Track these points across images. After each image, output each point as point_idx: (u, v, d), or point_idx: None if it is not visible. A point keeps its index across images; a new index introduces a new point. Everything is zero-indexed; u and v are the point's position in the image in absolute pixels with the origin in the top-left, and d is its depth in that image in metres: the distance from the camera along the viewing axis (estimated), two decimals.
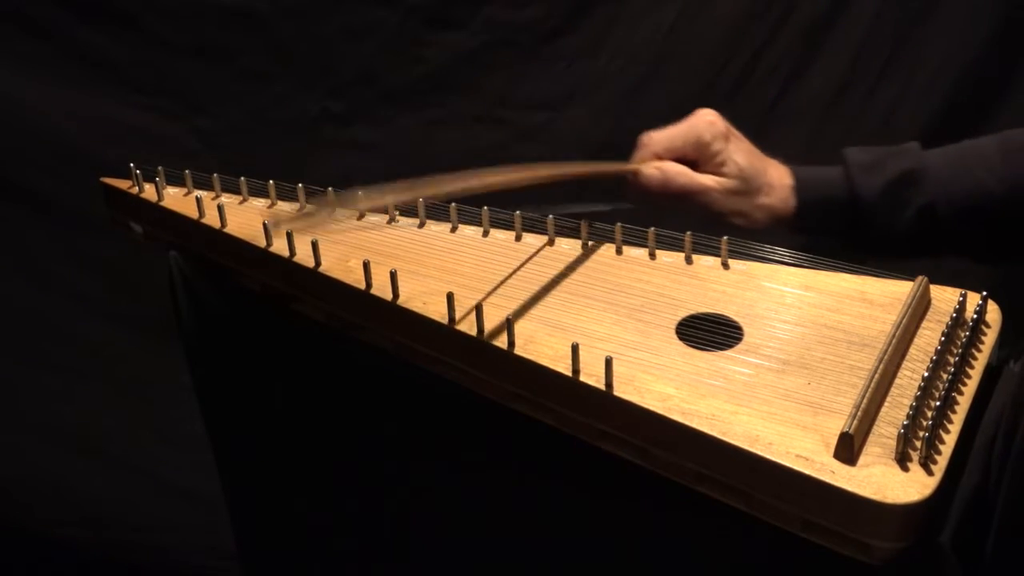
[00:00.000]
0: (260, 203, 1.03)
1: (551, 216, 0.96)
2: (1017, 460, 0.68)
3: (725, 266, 0.91)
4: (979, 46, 1.45)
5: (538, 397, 0.80)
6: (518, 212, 0.96)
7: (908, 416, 0.70)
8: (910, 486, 0.67)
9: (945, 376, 0.76)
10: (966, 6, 1.44)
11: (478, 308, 0.82)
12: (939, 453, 0.69)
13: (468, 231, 0.98)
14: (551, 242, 0.96)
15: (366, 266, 0.87)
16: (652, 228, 0.93)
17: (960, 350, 0.79)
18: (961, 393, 0.76)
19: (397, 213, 1.00)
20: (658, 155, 0.98)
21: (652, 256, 0.93)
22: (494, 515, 0.92)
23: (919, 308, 0.82)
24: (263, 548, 1.16)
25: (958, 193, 0.96)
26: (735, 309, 0.85)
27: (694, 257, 0.92)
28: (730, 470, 0.71)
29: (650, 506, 0.81)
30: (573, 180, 1.03)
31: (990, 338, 0.82)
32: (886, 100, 1.50)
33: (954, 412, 0.74)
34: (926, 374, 0.75)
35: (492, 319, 0.82)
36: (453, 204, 0.98)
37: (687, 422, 0.72)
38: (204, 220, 0.97)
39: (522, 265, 0.92)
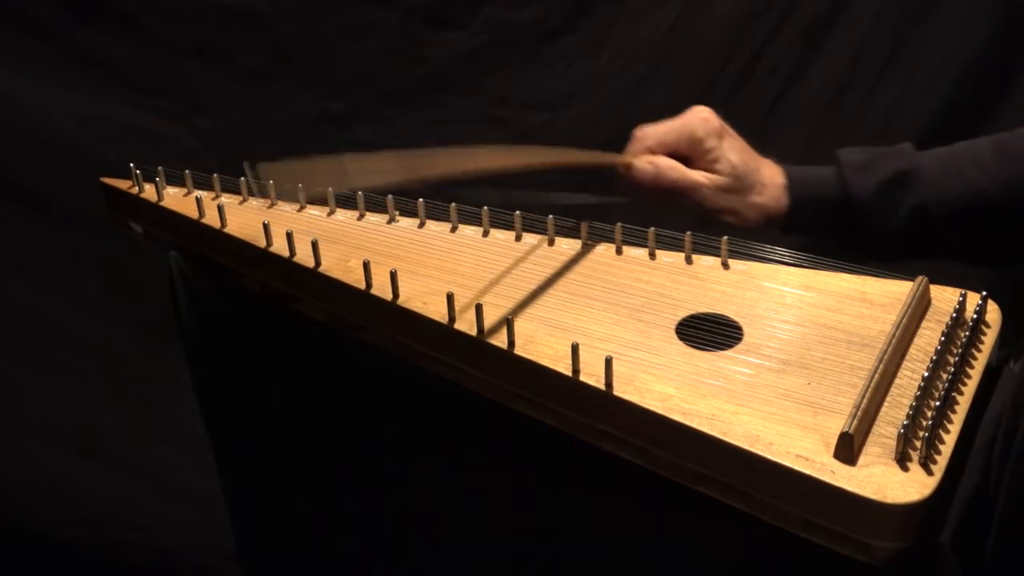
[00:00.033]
0: (260, 203, 1.03)
1: (551, 216, 0.96)
2: (1017, 460, 0.68)
3: (725, 266, 0.91)
4: (979, 46, 1.45)
5: (538, 397, 0.80)
6: (518, 212, 0.96)
7: (908, 416, 0.70)
8: (910, 486, 0.67)
9: (945, 376, 0.76)
10: (966, 6, 1.44)
11: (478, 308, 0.82)
12: (939, 453, 0.69)
13: (468, 231, 0.98)
14: (551, 242, 0.96)
15: (366, 266, 0.87)
16: (652, 228, 0.93)
17: (960, 350, 0.79)
18: (961, 393, 0.76)
19: (397, 213, 1.00)
20: (651, 149, 0.99)
21: (652, 256, 0.93)
22: (494, 515, 0.92)
23: (919, 308, 0.82)
24: (263, 548, 1.16)
25: (951, 194, 0.96)
26: (735, 309, 0.85)
27: (694, 257, 0.92)
28: (730, 470, 0.71)
29: (650, 506, 0.81)
30: (565, 170, 1.03)
31: (990, 338, 0.82)
32: (886, 100, 1.50)
33: (954, 412, 0.74)
34: (926, 374, 0.75)
35: (492, 319, 0.82)
36: (453, 204, 0.98)
37: (687, 422, 0.72)
38: (204, 220, 0.97)
39: (522, 265, 0.92)
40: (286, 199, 1.03)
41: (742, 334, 0.82)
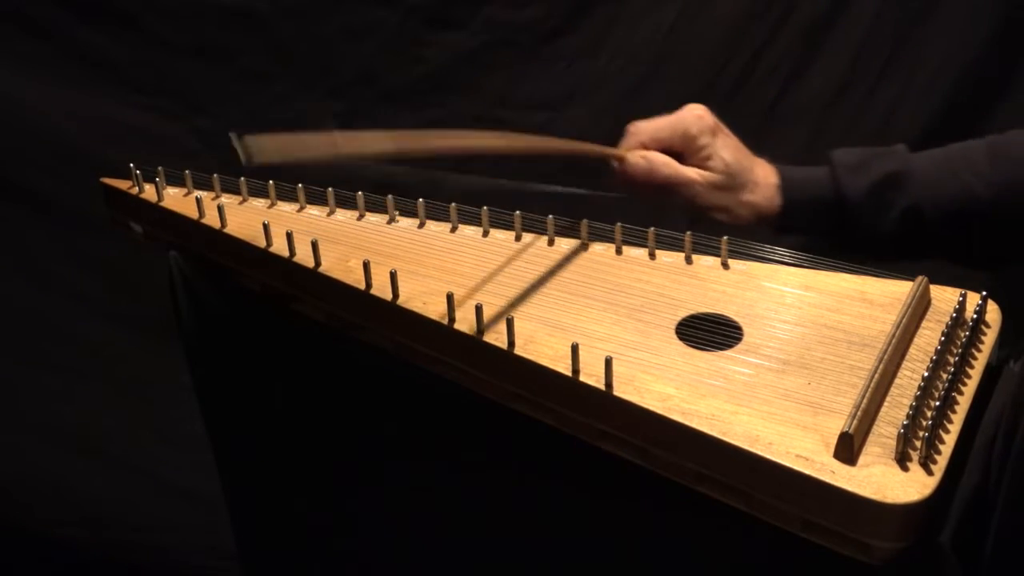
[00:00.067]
0: (260, 203, 1.03)
1: (551, 216, 0.96)
2: (1017, 460, 0.68)
3: (725, 266, 0.91)
4: (979, 46, 1.45)
5: (538, 397, 0.80)
6: (518, 212, 0.96)
7: (908, 416, 0.70)
8: (910, 486, 0.67)
9: (945, 376, 0.76)
10: (966, 6, 1.44)
11: (478, 308, 0.82)
12: (939, 453, 0.69)
13: (468, 231, 0.98)
14: (551, 242, 0.96)
15: (366, 266, 0.87)
16: (652, 228, 0.93)
17: (960, 350, 0.79)
18: (961, 393, 0.76)
19: (397, 213, 1.00)
20: (645, 144, 0.99)
21: (652, 256, 0.93)
22: (494, 515, 0.92)
23: (919, 308, 0.82)
24: (263, 548, 1.16)
25: (944, 196, 0.96)
26: (735, 309, 0.85)
27: (694, 257, 0.92)
28: (730, 470, 0.71)
29: (650, 506, 0.81)
30: (557, 160, 1.03)
31: (990, 338, 0.82)
32: (886, 100, 1.50)
33: (954, 412, 0.74)
34: (926, 374, 0.75)
35: (492, 319, 0.82)
36: (453, 204, 0.98)
37: (687, 422, 0.72)
38: (204, 220, 0.97)
39: (522, 265, 0.92)
40: (286, 199, 1.03)
41: (742, 334, 0.82)
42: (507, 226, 0.98)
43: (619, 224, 0.94)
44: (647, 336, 0.82)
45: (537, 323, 0.83)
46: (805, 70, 1.50)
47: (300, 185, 1.01)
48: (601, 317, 0.85)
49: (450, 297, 0.83)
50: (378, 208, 1.01)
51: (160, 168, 1.02)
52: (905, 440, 0.69)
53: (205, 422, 1.09)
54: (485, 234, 0.98)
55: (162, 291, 1.03)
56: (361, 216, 1.01)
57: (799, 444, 0.70)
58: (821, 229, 0.98)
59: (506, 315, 0.80)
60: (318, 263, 0.90)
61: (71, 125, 1.49)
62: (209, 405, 1.08)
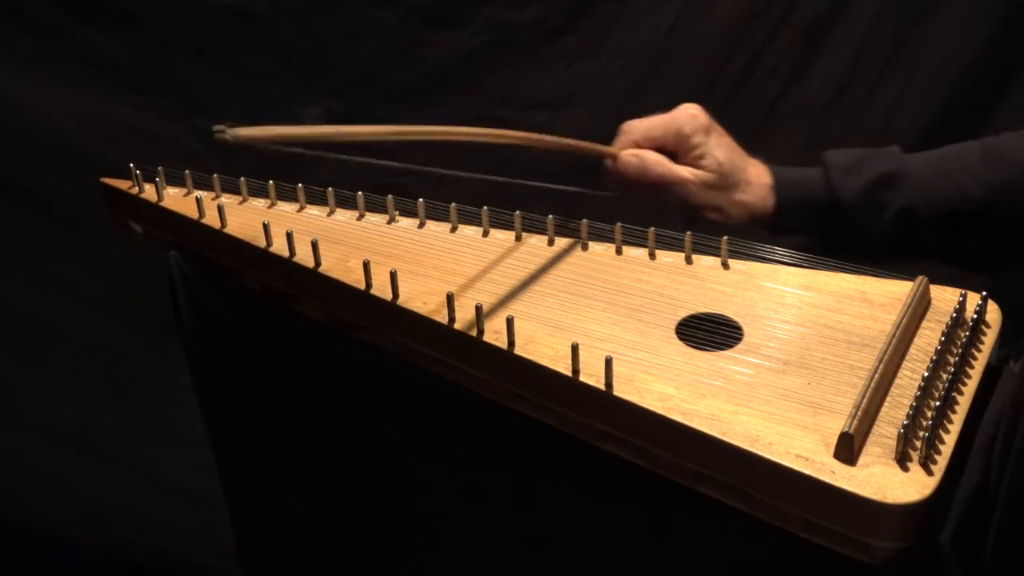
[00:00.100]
0: (260, 203, 1.03)
1: (551, 216, 0.96)
2: (1017, 460, 0.68)
3: (725, 266, 0.91)
4: (979, 46, 1.46)
5: (538, 397, 0.80)
6: (518, 212, 0.96)
7: (908, 416, 0.70)
8: (910, 486, 0.67)
9: (945, 376, 0.76)
10: (966, 6, 1.44)
11: (478, 308, 0.82)
12: (939, 453, 0.69)
13: (468, 231, 0.98)
14: (551, 242, 0.96)
15: (366, 266, 0.87)
16: (652, 228, 0.93)
17: (960, 350, 0.79)
18: (961, 393, 0.76)
19: (397, 213, 1.00)
20: (638, 143, 0.99)
21: (652, 256, 0.93)
22: (494, 515, 0.92)
23: (919, 308, 0.82)
24: (263, 548, 1.16)
25: (938, 197, 0.97)
26: (735, 309, 0.85)
27: (694, 257, 0.92)
28: (730, 470, 0.71)
29: (650, 506, 0.81)
30: (549, 156, 1.03)
31: (990, 338, 0.82)
32: (886, 100, 1.50)
33: (954, 412, 0.74)
34: (926, 374, 0.75)
35: (492, 319, 0.82)
36: (453, 204, 0.98)
37: (687, 422, 0.72)
38: (204, 220, 0.97)
39: (522, 265, 0.92)
40: (286, 199, 1.03)
41: (742, 334, 0.82)
42: (507, 226, 0.98)
43: (619, 224, 0.94)
44: (647, 336, 0.82)
45: (537, 323, 0.83)
46: (805, 70, 1.50)
47: (300, 185, 1.01)
48: (601, 317, 0.85)
49: (450, 297, 0.83)
50: (378, 208, 1.01)
51: (160, 168, 1.02)
52: (905, 440, 0.69)
53: (205, 422, 1.09)
54: (485, 234, 0.98)
55: (162, 291, 1.03)
56: (361, 216, 1.01)
57: (799, 444, 0.70)
58: (814, 230, 0.98)
59: (506, 315, 0.80)
60: (318, 263, 0.90)
61: (71, 125, 1.49)
62: (209, 405, 1.08)
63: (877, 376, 0.73)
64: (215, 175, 1.03)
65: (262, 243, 0.93)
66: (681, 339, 0.82)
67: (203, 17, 1.47)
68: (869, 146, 1.02)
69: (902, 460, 0.69)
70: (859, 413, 0.70)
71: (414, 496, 0.98)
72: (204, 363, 1.06)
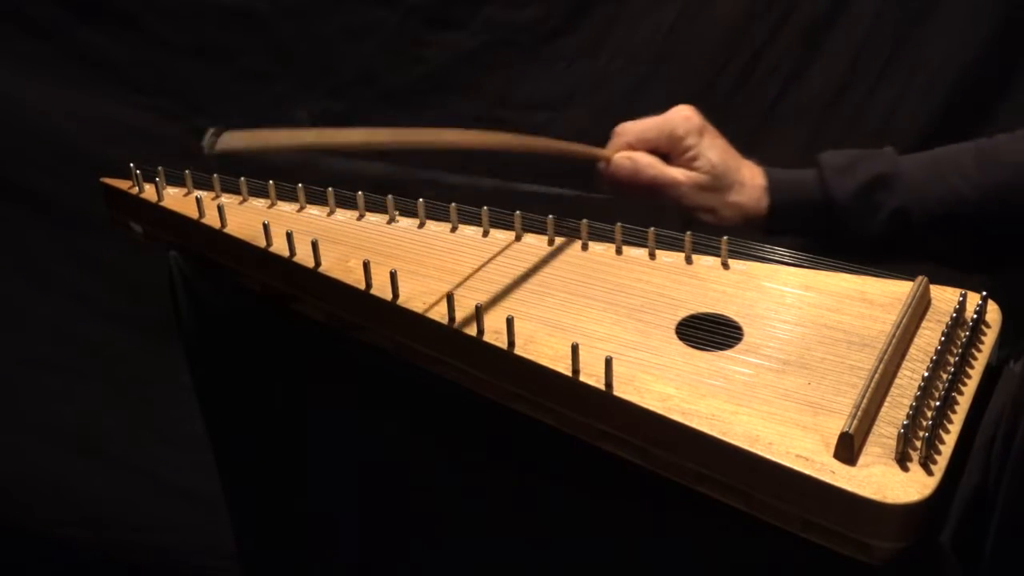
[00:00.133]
0: (260, 203, 1.03)
1: (551, 216, 0.96)
2: (1017, 460, 0.68)
3: (725, 266, 0.91)
4: (979, 46, 1.45)
5: (538, 397, 0.80)
6: (518, 212, 0.96)
7: (908, 416, 0.70)
8: (910, 486, 0.67)
9: (945, 376, 0.76)
10: (966, 6, 1.44)
11: (478, 308, 0.82)
12: (939, 453, 0.69)
13: (468, 231, 0.98)
14: (551, 242, 0.96)
15: (366, 266, 0.87)
16: (652, 228, 0.93)
17: (960, 350, 0.79)
18: (961, 393, 0.76)
19: (397, 213, 1.00)
20: (631, 145, 0.99)
21: (652, 256, 0.93)
22: (494, 515, 0.92)
23: (919, 308, 0.82)
24: (263, 548, 1.16)
25: (932, 199, 0.97)
26: (735, 309, 0.85)
27: (694, 257, 0.92)
28: (730, 470, 0.71)
29: (650, 506, 0.81)
30: (543, 160, 1.03)
31: (990, 338, 0.82)
32: (886, 100, 1.50)
33: (954, 412, 0.74)
34: (926, 374, 0.75)
35: (492, 319, 0.82)
36: (453, 204, 0.98)
37: (687, 422, 0.72)
38: (204, 220, 0.97)
39: (522, 265, 0.92)
40: (286, 199, 1.03)
41: (742, 334, 0.82)
42: (507, 226, 0.98)
43: (619, 224, 0.94)
44: (647, 336, 0.82)
45: (537, 323, 0.83)
46: (805, 70, 1.50)
47: (300, 185, 1.01)
48: (601, 317, 0.85)
49: (450, 297, 0.83)
50: (378, 208, 1.01)
51: (160, 168, 1.02)
52: (905, 440, 0.69)
53: (205, 422, 1.09)
54: (485, 234, 0.98)
55: (162, 291, 1.03)
56: (361, 216, 1.01)
57: (799, 444, 0.70)
58: (808, 231, 0.99)
59: (506, 315, 0.80)
60: (318, 263, 0.90)
61: (71, 125, 1.49)
62: (209, 405, 1.08)
63: (877, 376, 0.73)
64: (215, 175, 1.03)
65: (262, 243, 0.93)
66: (681, 339, 0.82)
67: (203, 17, 1.47)
68: (869, 146, 1.02)
69: (902, 460, 0.69)
70: (859, 413, 0.70)
71: (414, 496, 0.98)
72: (204, 363, 1.06)
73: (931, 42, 1.47)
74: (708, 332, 0.82)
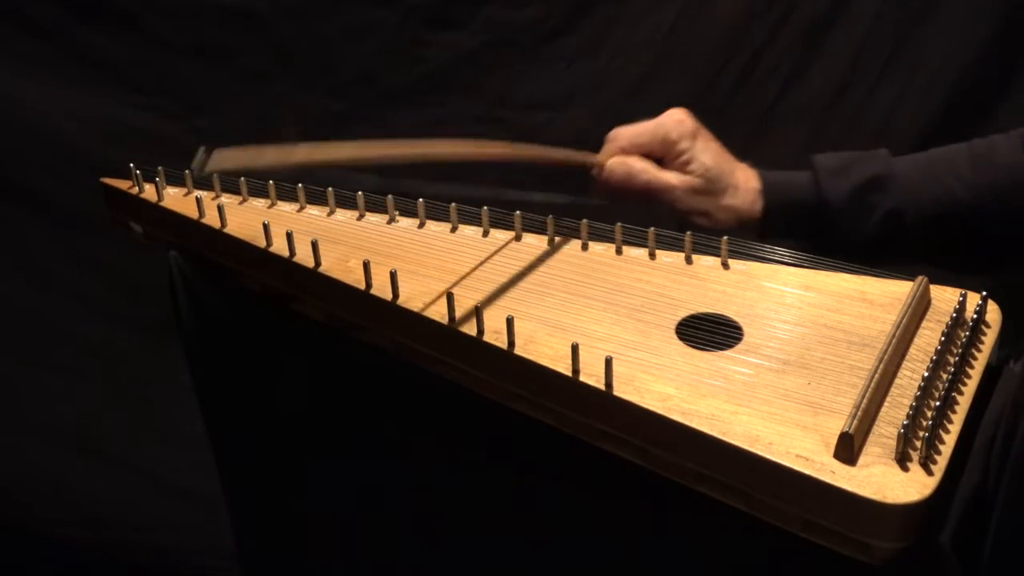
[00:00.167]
0: (260, 203, 1.03)
1: (551, 216, 0.96)
2: (1017, 460, 0.68)
3: (725, 266, 0.91)
4: (979, 46, 1.45)
5: (538, 397, 0.80)
6: (518, 212, 0.96)
7: (908, 416, 0.70)
8: (910, 486, 0.67)
9: (945, 376, 0.76)
10: (966, 6, 1.44)
11: (478, 308, 0.82)
12: (939, 453, 0.69)
13: (468, 231, 0.98)
14: (551, 242, 0.96)
15: (366, 266, 0.87)
16: (652, 228, 0.93)
17: (960, 350, 0.79)
18: (961, 393, 0.76)
19: (397, 213, 1.00)
20: (624, 150, 0.99)
21: (652, 256, 0.93)
22: (494, 515, 0.92)
23: (919, 308, 0.82)
24: (263, 548, 1.16)
25: (926, 200, 0.97)
26: (735, 309, 0.85)
27: (694, 257, 0.92)
28: (730, 470, 0.71)
29: (650, 506, 0.81)
30: (538, 166, 1.03)
31: (990, 338, 0.82)
32: (886, 100, 1.50)
33: (954, 412, 0.74)
34: (926, 374, 0.75)
35: (492, 319, 0.82)
36: (453, 204, 0.98)
37: (687, 422, 0.72)
38: (204, 220, 0.97)
39: (522, 265, 0.92)
40: (286, 199, 1.03)
41: (742, 334, 0.82)
42: (507, 226, 0.98)
43: (619, 224, 0.94)
44: (647, 336, 0.82)
45: (537, 323, 0.83)
46: (805, 70, 1.50)
47: (300, 185, 1.01)
48: (601, 317, 0.85)
49: (450, 297, 0.83)
50: (378, 208, 1.01)
51: (160, 168, 1.02)
52: (905, 440, 0.69)
53: (205, 422, 1.09)
54: (485, 234, 0.98)
55: (162, 291, 1.03)
56: (361, 216, 1.01)
57: (799, 444, 0.70)
58: (803, 233, 0.98)
59: (506, 315, 0.80)
60: (318, 263, 0.90)
61: (71, 125, 1.49)
62: (209, 405, 1.08)
63: (877, 376, 0.73)
64: (215, 175, 1.03)
65: (262, 243, 0.93)
66: (681, 339, 0.82)
67: (203, 17, 1.47)
68: (869, 146, 1.02)
69: (902, 460, 0.69)
70: (859, 413, 0.70)
71: (414, 496, 0.98)
72: (204, 363, 1.06)
73: (931, 42, 1.47)
74: (708, 332, 0.82)
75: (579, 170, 1.02)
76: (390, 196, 1.00)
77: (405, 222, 1.00)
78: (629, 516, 0.83)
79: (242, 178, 1.03)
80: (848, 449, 0.68)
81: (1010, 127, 1.00)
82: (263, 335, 1.01)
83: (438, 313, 0.84)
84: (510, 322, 0.80)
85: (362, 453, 0.99)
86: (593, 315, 0.85)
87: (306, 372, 1.00)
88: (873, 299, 0.85)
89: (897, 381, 0.76)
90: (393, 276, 0.86)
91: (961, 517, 0.72)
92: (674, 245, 0.93)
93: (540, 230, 0.97)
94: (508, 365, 0.80)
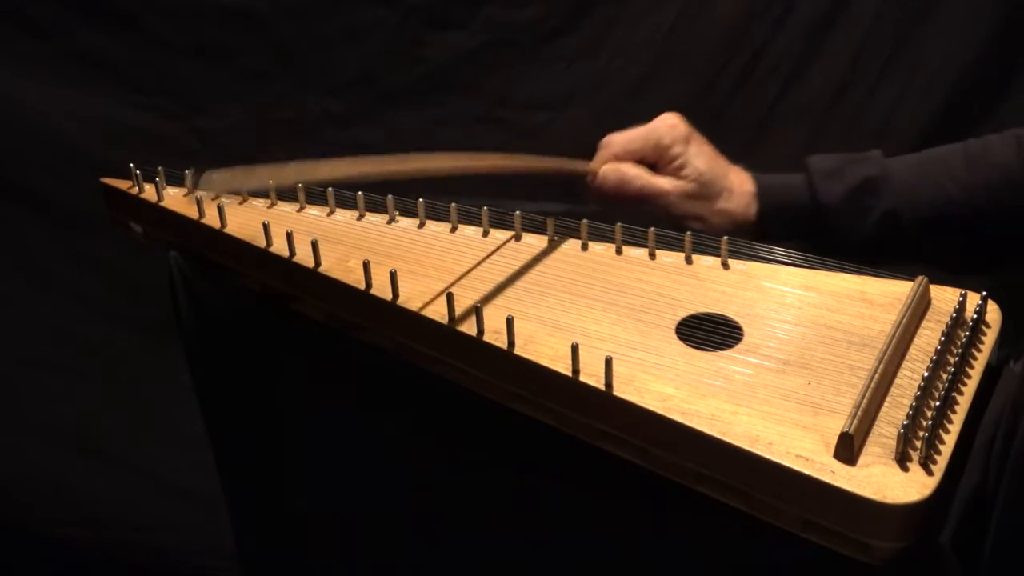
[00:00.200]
0: (260, 203, 1.03)
1: (551, 216, 0.96)
2: (1017, 460, 0.68)
3: (725, 266, 0.91)
4: (979, 46, 1.46)
5: (538, 397, 0.80)
6: (518, 212, 0.96)
7: (908, 416, 0.70)
8: (910, 486, 0.67)
9: (945, 376, 0.76)
10: (966, 6, 1.44)
11: (478, 308, 0.82)
12: (939, 453, 0.69)
13: (468, 231, 0.98)
14: (551, 242, 0.96)
15: (366, 266, 0.87)
16: (652, 228, 0.93)
17: (960, 350, 0.79)
18: (961, 393, 0.76)
19: (397, 213, 1.00)
20: (617, 157, 0.99)
21: (652, 256, 0.93)
22: (494, 515, 0.92)
23: (919, 308, 0.82)
24: (263, 548, 1.16)
25: (921, 201, 0.97)
26: (735, 309, 0.85)
27: (694, 257, 0.92)
28: (730, 470, 0.71)
29: (650, 506, 0.81)
30: (531, 176, 1.03)
31: (990, 338, 0.82)
32: (886, 100, 1.50)
33: (954, 412, 0.74)
34: (926, 374, 0.75)
35: (492, 319, 0.82)
36: (453, 204, 0.98)
37: (687, 422, 0.72)
38: (204, 220, 0.97)
39: (522, 265, 0.92)
40: (286, 199, 1.03)
41: (742, 334, 0.82)
42: (507, 226, 0.98)
43: (619, 224, 0.94)
44: (647, 336, 0.82)
45: (537, 323, 0.83)
46: (805, 70, 1.50)
47: (300, 185, 1.01)
48: (601, 317, 0.85)
49: (450, 297, 0.83)
50: (378, 208, 1.01)
51: (160, 168, 1.02)
52: (905, 440, 0.69)
53: (205, 422, 1.09)
54: (485, 234, 0.98)
55: (162, 291, 1.03)
56: (361, 216, 1.01)
57: (799, 444, 0.70)
58: (798, 236, 0.98)
59: (506, 315, 0.80)
60: (318, 263, 0.90)
61: (71, 125, 1.49)
62: (209, 405, 1.08)
63: (877, 376, 0.73)
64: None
65: (262, 243, 0.93)
66: (681, 339, 0.82)
67: (203, 17, 1.47)
68: (870, 146, 1.02)
69: (902, 460, 0.69)
70: (859, 413, 0.70)
71: (414, 496, 0.98)
72: (204, 363, 1.06)
73: (931, 42, 1.47)
74: (708, 332, 0.82)
75: (573, 179, 1.02)
76: (390, 196, 1.00)
77: (405, 222, 1.00)
78: (629, 516, 0.83)
79: None
80: (848, 449, 0.68)
81: (1010, 127, 1.00)
82: (263, 335, 1.01)
83: (438, 313, 0.84)
84: (510, 322, 0.80)
85: (362, 453, 0.99)
86: (593, 315, 0.85)
87: (306, 372, 1.00)
88: (873, 299, 0.85)
89: (897, 381, 0.76)
90: (393, 276, 0.86)
91: (961, 517, 0.72)
92: (674, 245, 0.93)
93: (540, 230, 0.97)
94: (508, 365, 0.80)
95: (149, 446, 1.60)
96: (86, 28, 1.46)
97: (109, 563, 1.59)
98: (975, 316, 0.82)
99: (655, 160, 0.99)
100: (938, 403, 0.72)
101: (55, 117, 1.49)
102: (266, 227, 0.93)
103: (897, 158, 1.00)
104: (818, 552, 0.69)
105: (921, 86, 1.48)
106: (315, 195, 1.02)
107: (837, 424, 0.70)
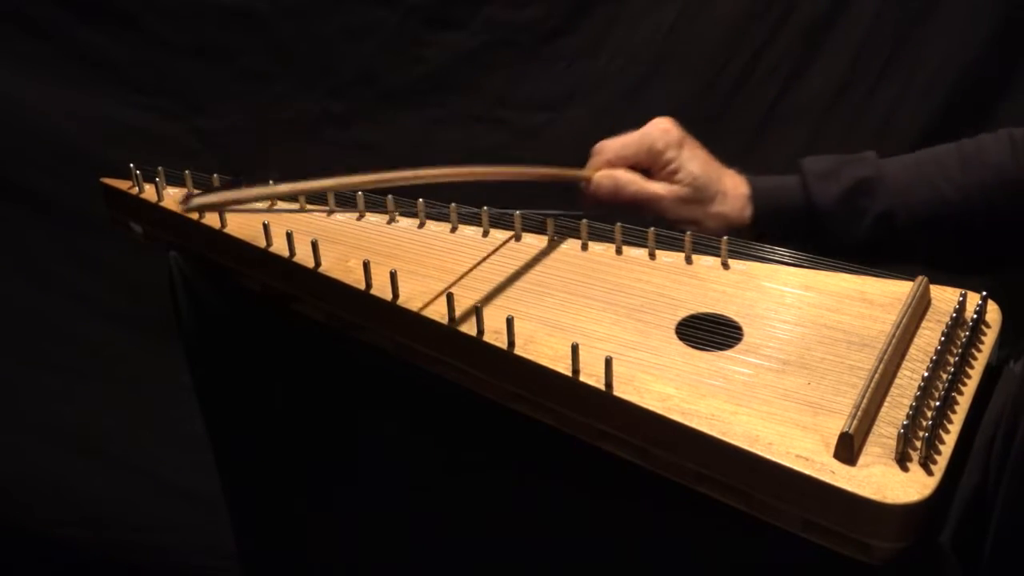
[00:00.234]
0: (260, 204, 1.03)
1: (550, 217, 0.96)
2: (1017, 460, 0.68)
3: (725, 266, 0.91)
4: (979, 46, 1.46)
5: (538, 397, 0.80)
6: (518, 212, 0.96)
7: (908, 416, 0.70)
8: (910, 486, 0.67)
9: (945, 376, 0.76)
10: (966, 6, 1.44)
11: (478, 308, 0.82)
12: (939, 453, 0.69)
13: (468, 231, 0.98)
14: (551, 242, 0.96)
15: (366, 266, 0.87)
16: (652, 228, 0.93)
17: (960, 350, 0.79)
18: (961, 393, 0.76)
19: (397, 213, 1.00)
20: (611, 162, 0.99)
21: (652, 256, 0.93)
22: (494, 515, 0.92)
23: (919, 308, 0.82)
24: (263, 548, 1.16)
25: (916, 202, 0.97)
26: (735, 309, 0.85)
27: (694, 257, 0.92)
28: (730, 470, 0.71)
29: (650, 506, 0.81)
30: (525, 184, 1.03)
31: (990, 338, 0.82)
32: (886, 100, 1.50)
33: (954, 412, 0.74)
34: (926, 374, 0.75)
35: (492, 319, 0.82)
36: (453, 204, 0.98)
37: (687, 422, 0.72)
38: (204, 220, 0.97)
39: (522, 265, 0.92)
40: (286, 199, 1.03)
41: (742, 334, 0.82)
42: (507, 226, 0.98)
43: (619, 224, 0.94)
44: (647, 336, 0.82)
45: (537, 323, 0.83)
46: (805, 70, 1.50)
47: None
48: (601, 317, 0.85)
49: (450, 297, 0.83)
50: (378, 208, 1.01)
51: (160, 168, 1.02)
52: (905, 440, 0.69)
53: (205, 422, 1.09)
54: (485, 234, 0.98)
55: (162, 291, 1.03)
56: (361, 216, 1.01)
57: (799, 444, 0.70)
58: (793, 238, 0.98)
59: (506, 315, 0.80)
60: (318, 263, 0.90)
61: (71, 125, 1.49)
62: (209, 405, 1.08)
63: (877, 376, 0.73)
64: (215, 175, 1.03)
65: (262, 243, 0.93)
66: (681, 339, 0.82)
67: (203, 17, 1.47)
68: (869, 147, 1.02)
69: (902, 460, 0.69)
70: (859, 413, 0.70)
71: (414, 496, 0.98)
72: (204, 363, 1.06)
73: (931, 42, 1.47)
74: (708, 332, 0.82)
75: (567, 186, 1.02)
76: (390, 196, 1.00)
77: (405, 222, 1.00)
78: (629, 516, 0.84)
79: (242, 178, 1.03)
80: (848, 449, 0.68)
81: (1010, 127, 1.00)
82: (263, 335, 1.01)
83: (438, 313, 0.84)
84: (510, 322, 0.80)
85: (362, 453, 0.99)
86: (593, 315, 0.85)
87: (306, 372, 1.00)
88: (873, 299, 0.85)
89: (897, 381, 0.76)
90: (393, 276, 0.86)
91: (961, 517, 0.72)
92: (674, 245, 0.93)
93: (540, 230, 0.97)
94: (508, 365, 0.80)
95: (149, 446, 1.60)
96: (86, 28, 1.46)
97: (109, 563, 1.59)
98: (975, 316, 0.82)
99: (649, 165, 0.98)
100: (938, 403, 0.72)
101: (55, 117, 1.49)
102: (266, 227, 0.93)
103: (891, 159, 1.00)
104: (818, 552, 0.69)
105: (921, 86, 1.48)
106: (315, 195, 1.02)
107: (837, 424, 0.70)
